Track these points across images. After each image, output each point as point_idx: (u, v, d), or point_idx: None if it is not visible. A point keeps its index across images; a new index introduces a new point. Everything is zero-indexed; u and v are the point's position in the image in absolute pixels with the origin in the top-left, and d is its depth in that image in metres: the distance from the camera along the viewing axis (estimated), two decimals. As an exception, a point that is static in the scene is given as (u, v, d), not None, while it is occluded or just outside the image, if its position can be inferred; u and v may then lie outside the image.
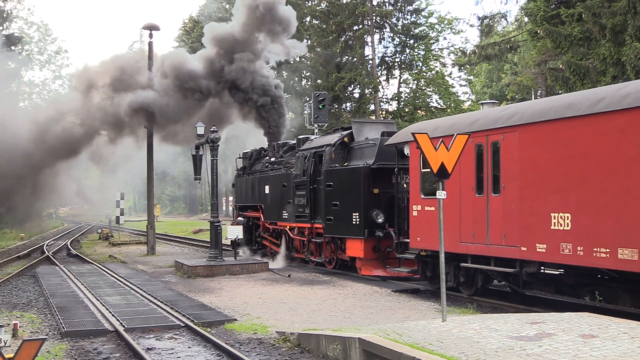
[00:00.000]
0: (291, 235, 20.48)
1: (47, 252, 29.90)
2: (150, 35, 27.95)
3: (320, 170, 18.49)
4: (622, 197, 9.49)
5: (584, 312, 9.37)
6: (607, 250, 9.66)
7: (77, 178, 40.99)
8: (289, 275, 17.97)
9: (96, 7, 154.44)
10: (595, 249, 9.86)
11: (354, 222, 16.63)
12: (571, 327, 8.03)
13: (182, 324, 11.34)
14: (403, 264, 15.49)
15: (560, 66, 25.22)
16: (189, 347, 9.81)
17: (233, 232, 20.17)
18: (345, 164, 17.71)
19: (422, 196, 13.80)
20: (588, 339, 7.34)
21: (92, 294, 15.25)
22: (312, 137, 21.32)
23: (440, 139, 9.76)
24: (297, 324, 11.24)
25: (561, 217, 10.52)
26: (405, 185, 15.22)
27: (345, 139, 18.04)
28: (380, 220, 16.14)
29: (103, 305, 13.57)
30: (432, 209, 13.23)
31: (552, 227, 10.63)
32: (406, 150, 14.64)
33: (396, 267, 15.75)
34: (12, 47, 38.70)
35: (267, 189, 22.17)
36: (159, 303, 13.70)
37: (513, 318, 8.94)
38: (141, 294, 15.17)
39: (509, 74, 46.97)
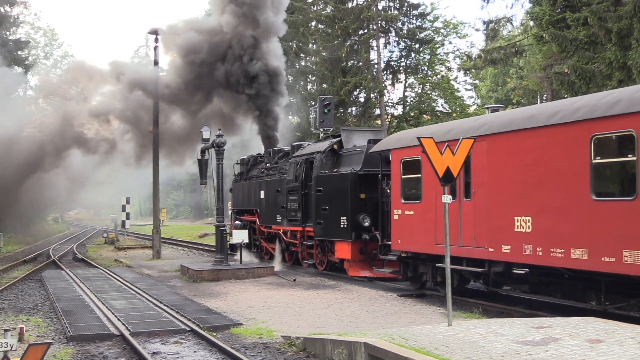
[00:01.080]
0: (285, 238, 21.23)
1: (53, 257, 30.03)
2: (156, 40, 28.06)
3: (311, 176, 19.25)
4: (573, 202, 10.33)
5: (590, 316, 9.36)
6: (562, 250, 10.48)
7: (82, 182, 41.23)
8: (295, 280, 17.99)
9: (102, 11, 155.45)
10: (552, 250, 10.67)
11: (342, 226, 17.40)
12: (577, 331, 8.01)
13: (188, 328, 11.37)
14: (386, 265, 16.27)
15: (566, 70, 25.21)
16: (195, 352, 9.83)
17: (239, 235, 20.21)
18: (335, 170, 18.50)
19: (402, 201, 14.71)
20: (595, 343, 7.33)
21: (98, 298, 15.31)
22: (306, 143, 22.13)
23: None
24: (302, 328, 11.25)
25: (523, 220, 11.37)
26: (388, 191, 15.82)
27: (335, 146, 18.87)
28: (366, 224, 16.89)
29: (109, 309, 13.62)
30: (411, 212, 14.26)
31: (516, 230, 11.46)
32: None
33: (380, 268, 16.51)
34: (19, 52, 38.96)
35: (262, 194, 22.95)
36: (165, 307, 13.73)
37: (519, 323, 8.94)
38: (147, 298, 15.21)
39: (515, 78, 47.02)
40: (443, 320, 10.95)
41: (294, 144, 22.75)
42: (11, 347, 6.35)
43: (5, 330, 6.61)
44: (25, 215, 37.15)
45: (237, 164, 27.48)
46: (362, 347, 8.01)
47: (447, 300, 9.44)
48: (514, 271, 11.91)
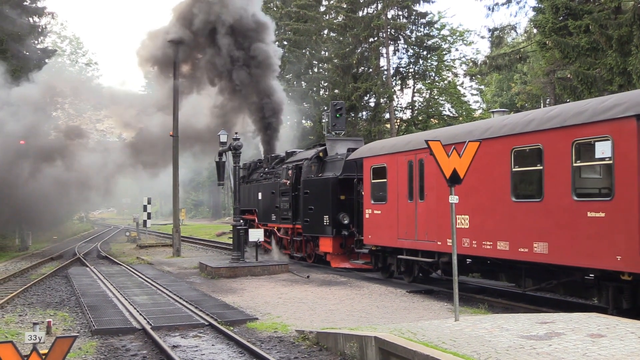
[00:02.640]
0: (278, 234, 23.38)
1: (78, 254, 30.61)
2: (176, 50, 28.36)
3: (300, 180, 21.29)
4: (499, 203, 12.25)
5: (592, 312, 9.47)
6: (491, 243, 12.40)
7: (106, 184, 42.14)
8: (308, 277, 18.27)
9: (125, 19, 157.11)
10: (484, 242, 12.60)
11: (325, 223, 19.57)
12: (580, 327, 8.14)
13: (206, 323, 11.64)
14: (361, 257, 18.43)
15: (569, 76, 25.47)
16: (213, 345, 10.09)
17: (255, 235, 20.56)
18: (320, 175, 20.67)
19: (372, 202, 16.93)
20: (596, 338, 7.45)
21: (121, 294, 15.66)
22: (298, 150, 24.58)
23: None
24: (315, 322, 11.48)
25: (463, 218, 13.28)
26: (362, 193, 17.80)
27: (320, 154, 21.13)
28: (345, 222, 19.06)
29: (131, 304, 13.94)
30: (379, 212, 16.54)
31: (457, 226, 13.13)
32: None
33: (356, 260, 18.78)
34: (46, 60, 39.70)
35: (260, 195, 25.23)
36: (184, 303, 14.03)
37: (523, 318, 9.07)
38: (167, 294, 15.53)
39: (519, 83, 47.16)
40: (450, 315, 11.15)
41: (287, 151, 24.90)
42: (39, 340, 6.46)
43: (34, 324, 6.76)
44: (52, 214, 38.07)
45: (241, 168, 28.50)
46: (372, 341, 8.18)
47: (454, 296, 9.62)
48: (467, 261, 13.75)
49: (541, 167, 11.25)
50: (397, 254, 16.13)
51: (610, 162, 9.93)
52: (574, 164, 10.60)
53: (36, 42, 40.91)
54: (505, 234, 11.97)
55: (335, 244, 19.31)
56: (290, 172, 22.20)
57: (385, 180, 16.32)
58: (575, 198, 10.55)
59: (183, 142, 30.08)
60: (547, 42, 25.52)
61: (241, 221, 26.17)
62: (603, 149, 10.09)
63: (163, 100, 34.08)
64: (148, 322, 11.73)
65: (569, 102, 23.72)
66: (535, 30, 32.01)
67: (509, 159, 11.98)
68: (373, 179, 16.95)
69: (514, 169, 11.93)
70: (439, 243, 13.96)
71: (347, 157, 19.17)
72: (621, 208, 9.74)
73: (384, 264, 17.33)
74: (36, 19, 40.85)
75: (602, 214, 10.02)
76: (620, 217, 9.75)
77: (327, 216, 19.41)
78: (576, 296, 12.76)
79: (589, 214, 10.22)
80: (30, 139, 33.85)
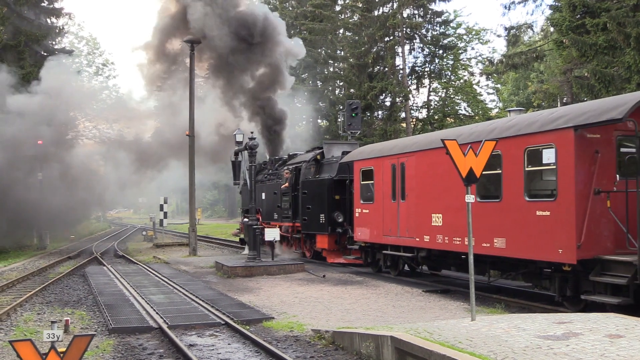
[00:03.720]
0: (280, 232, 23.90)
1: (95, 253, 30.90)
2: (192, 48, 28.50)
3: (299, 181, 22.60)
4: (463, 203, 12.30)
5: (610, 312, 9.39)
6: (460, 239, 13.62)
7: (123, 184, 42.67)
8: (324, 276, 18.28)
9: (140, 19, 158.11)
10: (454, 238, 13.89)
11: (321, 221, 20.84)
12: (598, 327, 8.07)
13: (222, 322, 11.69)
14: (353, 253, 19.82)
15: (586, 74, 25.29)
16: (229, 344, 10.13)
17: (271, 234, 20.63)
18: (317, 176, 21.91)
19: (361, 202, 18.34)
20: (615, 338, 7.38)
21: (138, 293, 15.77)
22: (299, 153, 25.74)
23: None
24: (331, 322, 11.49)
25: (437, 217, 14.61)
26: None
27: (318, 157, 22.45)
28: (340, 220, 20.34)
29: (148, 303, 14.03)
30: (367, 211, 17.98)
31: (432, 224, 14.73)
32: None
33: (348, 256, 20.15)
34: (64, 61, 40.11)
35: (263, 196, 26.56)
36: (200, 302, 14.10)
37: (540, 318, 9.00)
38: (183, 293, 15.62)
39: (536, 82, 46.87)
40: (467, 315, 11.11)
41: (290, 153, 26.39)
42: (58, 338, 6.49)
43: (52, 322, 6.81)
44: (70, 214, 38.59)
45: (247, 170, 29.55)
46: (388, 340, 8.15)
47: (470, 296, 9.57)
48: (462, 256, 14.50)
49: (500, 171, 12.58)
50: (383, 250, 17.62)
51: (554, 167, 11.13)
52: (526, 169, 11.94)
53: (54, 42, 41.36)
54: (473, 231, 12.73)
55: (330, 241, 20.60)
56: (290, 173, 23.58)
57: (372, 182, 17.80)
58: (527, 199, 11.86)
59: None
60: (564, 40, 25.40)
61: (245, 220, 27.72)
62: (549, 156, 11.38)
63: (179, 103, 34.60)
64: (165, 321, 11.81)
65: (586, 100, 23.57)
66: (552, 29, 31.88)
67: None
68: (362, 181, 18.42)
69: None
70: (418, 239, 15.43)
71: (341, 159, 20.51)
72: (562, 208, 10.95)
73: (373, 259, 18.80)
74: (54, 19, 41.32)
75: (548, 213, 11.26)
76: (561, 215, 10.96)
77: (323, 215, 20.75)
78: (534, 285, 13.75)
79: (537, 213, 11.52)
80: (46, 139, 34.29)
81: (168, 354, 9.62)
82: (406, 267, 18.06)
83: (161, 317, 12.15)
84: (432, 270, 17.59)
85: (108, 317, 12.27)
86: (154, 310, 13.04)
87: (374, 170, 17.65)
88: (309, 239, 22.64)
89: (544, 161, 11.51)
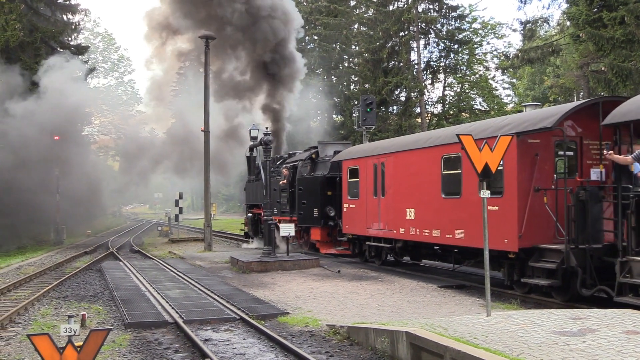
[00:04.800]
0: (279, 226, 24.83)
1: (111, 248, 31.15)
2: (207, 44, 28.59)
3: (295, 178, 24.24)
4: (434, 198, 15.22)
5: (627, 309, 9.31)
6: (428, 231, 15.45)
7: (139, 180, 43.14)
8: (339, 271, 18.29)
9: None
10: (424, 231, 15.67)
11: (315, 216, 22.57)
12: (614, 323, 8.01)
13: (238, 317, 11.73)
14: (343, 244, 21.69)
15: (603, 68, 24.94)
16: (244, 339, 10.16)
17: (285, 229, 20.66)
18: (311, 174, 23.55)
19: (349, 197, 20.21)
20: (632, 335, 7.34)
21: (153, 288, 15.88)
22: (297, 152, 27.55)
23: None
24: (346, 317, 11.49)
25: (410, 211, 16.40)
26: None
27: (313, 156, 24.07)
28: (332, 214, 21.98)
29: (163, 298, 14.12)
30: (354, 206, 19.90)
31: (407, 217, 16.53)
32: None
33: (339, 247, 21.97)
34: (80, 57, 40.41)
35: (264, 192, 26.21)
36: (216, 297, 14.17)
37: (556, 314, 8.95)
38: (199, 288, 15.70)
39: (552, 76, 46.41)
40: (482, 310, 11.10)
41: (290, 152, 28.24)
42: (74, 332, 6.56)
43: (69, 317, 6.85)
44: (87, 209, 39.06)
45: (260, 164, 31.17)
46: (404, 336, 8.15)
47: (486, 291, 9.54)
48: (435, 248, 16.47)
49: (460, 171, 14.19)
50: (367, 241, 19.47)
51: (502, 167, 12.31)
52: None
53: (69, 39, 41.67)
54: (438, 224, 15.02)
55: (323, 233, 22.32)
56: (288, 171, 25.16)
57: (358, 179, 19.57)
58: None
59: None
60: (581, 34, 25.12)
61: (249, 214, 29.26)
62: None
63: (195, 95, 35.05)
64: (180, 315, 11.86)
65: (603, 95, 23.34)
66: (568, 23, 31.58)
67: (440, 164, 14.99)
68: (349, 178, 20.24)
69: (443, 172, 14.92)
70: (395, 231, 17.18)
71: (332, 158, 22.16)
72: (507, 203, 12.50)
73: (360, 249, 20.54)
74: (70, 16, 41.62)
75: (497, 208, 12.73)
76: (506, 210, 12.51)
77: (316, 209, 22.45)
78: (492, 270, 14.75)
79: (489, 208, 12.46)
80: (64, 135, 34.65)
81: (184, 348, 9.67)
82: (390, 258, 19.32)
83: (177, 312, 12.21)
84: (413, 260, 19.16)
85: (124, 312, 12.35)
86: (170, 305, 13.11)
87: (359, 169, 19.46)
88: (305, 232, 24.14)
89: None
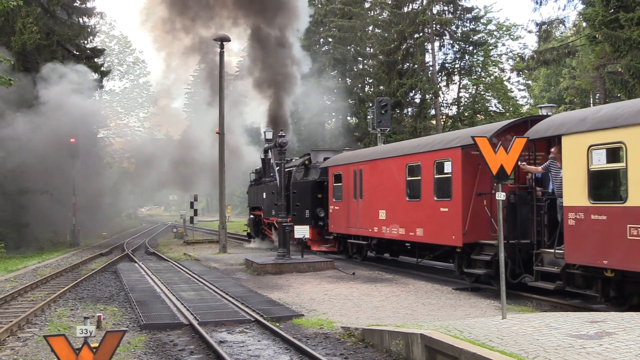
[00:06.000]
0: (277, 226, 26.14)
1: (126, 250, 31.34)
2: (222, 47, 28.70)
3: (290, 182, 25.70)
4: (400, 201, 17.52)
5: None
6: (396, 229, 17.62)
7: (153, 181, 43.45)
8: (354, 273, 18.27)
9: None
10: (394, 229, 17.78)
11: (306, 216, 24.51)
12: (632, 326, 7.89)
13: (252, 319, 11.75)
14: (330, 242, 24.00)
15: (619, 70, 24.69)
16: (259, 341, 10.17)
17: (300, 231, 20.70)
18: (304, 179, 25.75)
19: (334, 200, 22.46)
20: (650, 338, 7.23)
21: (168, 290, 15.95)
22: (294, 158, 29.27)
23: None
24: (361, 319, 11.47)
25: (382, 212, 18.53)
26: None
27: (306, 162, 26.27)
28: (321, 215, 24.08)
29: (178, 300, 14.17)
30: (338, 208, 22.13)
31: (379, 217, 18.65)
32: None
33: (326, 244, 24.15)
34: (95, 59, 40.72)
35: (264, 195, 29.64)
36: (231, 299, 14.20)
37: (573, 317, 8.85)
38: (214, 290, 15.74)
39: (567, 78, 46.06)
40: (497, 313, 11.03)
41: (287, 158, 28.34)
42: (90, 334, 6.61)
43: (85, 318, 6.90)
44: (102, 212, 39.43)
45: (252, 172, 33.82)
46: (418, 338, 8.11)
47: (501, 294, 9.48)
48: (406, 245, 18.69)
49: (420, 178, 16.42)
50: (349, 239, 21.78)
51: (450, 175, 14.75)
52: (435, 176, 15.63)
53: (85, 42, 42.05)
54: (403, 223, 17.22)
55: (313, 232, 23.68)
56: (284, 176, 26.31)
57: (341, 184, 21.78)
58: (436, 198, 15.63)
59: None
60: (597, 35, 24.88)
61: (251, 216, 30.17)
62: (447, 167, 14.95)
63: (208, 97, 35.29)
64: (195, 317, 11.90)
65: (620, 97, 23.09)
66: (584, 24, 31.34)
67: (405, 171, 17.25)
68: (334, 183, 22.53)
69: (407, 178, 17.15)
70: (370, 230, 19.39)
71: (321, 165, 24.53)
72: (455, 205, 14.62)
73: (344, 247, 22.81)
74: (86, 19, 42.00)
75: (447, 209, 14.94)
76: (454, 211, 14.65)
77: (308, 210, 24.46)
78: (446, 262, 17.32)
79: (441, 209, 15.22)
80: (79, 137, 34.97)
81: (199, 350, 9.70)
82: (371, 254, 21.45)
83: (192, 314, 12.24)
84: (392, 256, 20.96)
85: (139, 314, 12.41)
86: (185, 307, 13.14)
87: (342, 174, 21.71)
88: None
89: (445, 171, 15.04)
